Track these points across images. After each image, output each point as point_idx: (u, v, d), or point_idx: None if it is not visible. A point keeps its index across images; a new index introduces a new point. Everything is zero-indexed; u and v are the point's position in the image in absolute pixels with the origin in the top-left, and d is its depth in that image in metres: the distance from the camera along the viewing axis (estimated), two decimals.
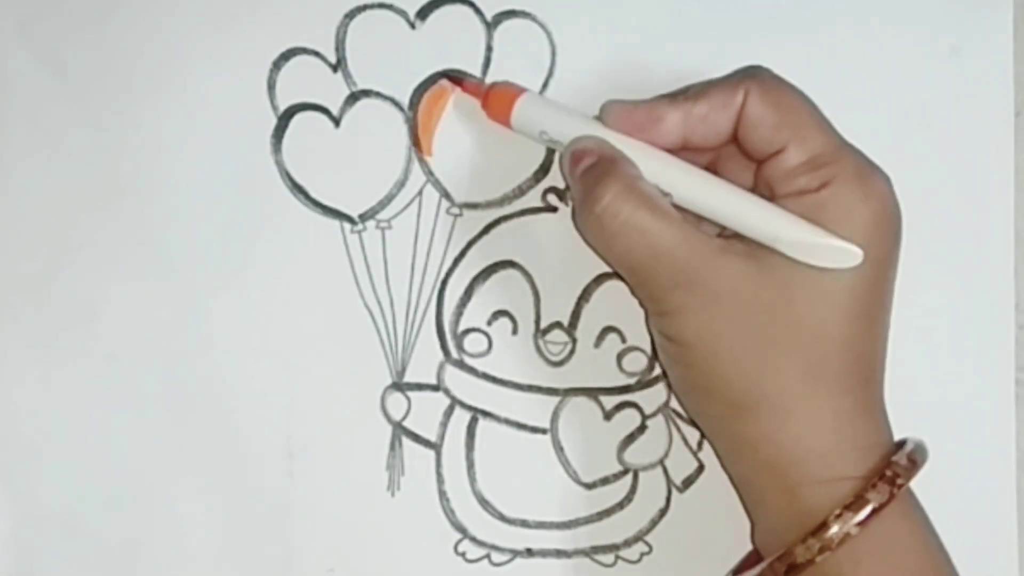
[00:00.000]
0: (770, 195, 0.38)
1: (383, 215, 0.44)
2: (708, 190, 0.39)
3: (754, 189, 0.39)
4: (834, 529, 0.36)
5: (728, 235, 0.39)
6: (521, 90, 0.41)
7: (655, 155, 0.39)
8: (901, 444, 0.38)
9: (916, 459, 0.37)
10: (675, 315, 0.38)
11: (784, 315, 0.37)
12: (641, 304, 0.41)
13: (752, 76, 0.39)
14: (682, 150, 0.39)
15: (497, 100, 0.42)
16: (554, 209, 0.44)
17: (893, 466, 0.37)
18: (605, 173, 0.38)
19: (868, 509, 0.36)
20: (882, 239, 0.38)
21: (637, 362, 0.44)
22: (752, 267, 0.37)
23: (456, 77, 0.44)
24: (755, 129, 0.38)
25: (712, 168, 0.40)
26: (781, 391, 0.37)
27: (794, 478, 0.37)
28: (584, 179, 0.39)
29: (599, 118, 0.40)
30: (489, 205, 0.44)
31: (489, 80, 0.44)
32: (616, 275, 0.44)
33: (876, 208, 0.37)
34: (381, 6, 0.44)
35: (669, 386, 0.44)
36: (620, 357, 0.44)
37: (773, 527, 0.38)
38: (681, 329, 0.38)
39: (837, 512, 0.36)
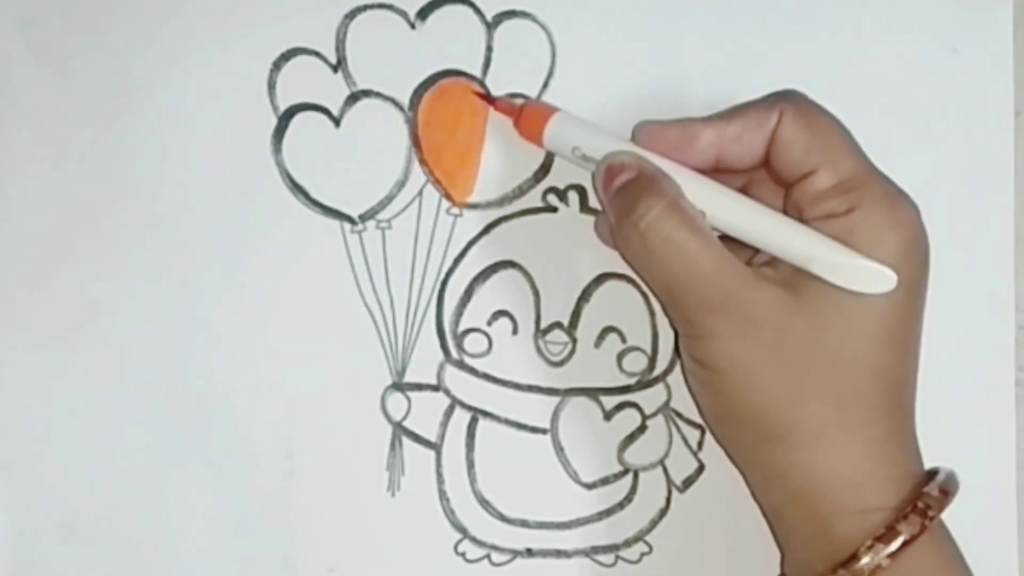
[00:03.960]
0: (799, 218, 0.38)
1: (383, 215, 0.44)
2: (743, 211, 0.39)
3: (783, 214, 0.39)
4: (865, 560, 0.36)
5: (759, 264, 0.39)
6: (553, 109, 0.41)
7: (690, 175, 0.39)
8: (932, 473, 0.38)
9: (948, 490, 0.37)
10: (708, 340, 0.38)
11: (818, 344, 0.37)
12: (673, 326, 0.41)
13: (787, 98, 0.39)
14: (714, 171, 0.39)
15: (530, 119, 0.42)
16: (554, 209, 0.44)
17: (925, 497, 0.37)
18: (648, 189, 0.38)
19: (899, 541, 0.36)
20: (912, 266, 0.37)
21: (637, 362, 0.44)
22: (787, 295, 0.37)
23: (487, 96, 0.44)
24: (787, 150, 0.38)
25: (743, 193, 0.40)
26: (814, 419, 0.37)
27: (825, 508, 0.37)
28: (625, 193, 0.38)
29: (632, 138, 0.40)
30: (489, 205, 0.44)
31: (490, 81, 0.44)
32: (616, 275, 0.44)
33: (906, 235, 0.37)
34: (381, 6, 0.44)
35: (669, 387, 0.44)
36: (620, 357, 0.44)
37: (803, 558, 0.38)
38: (713, 354, 0.38)
39: (868, 543, 0.36)
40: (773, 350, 0.37)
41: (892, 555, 0.36)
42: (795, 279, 0.38)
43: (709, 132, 0.39)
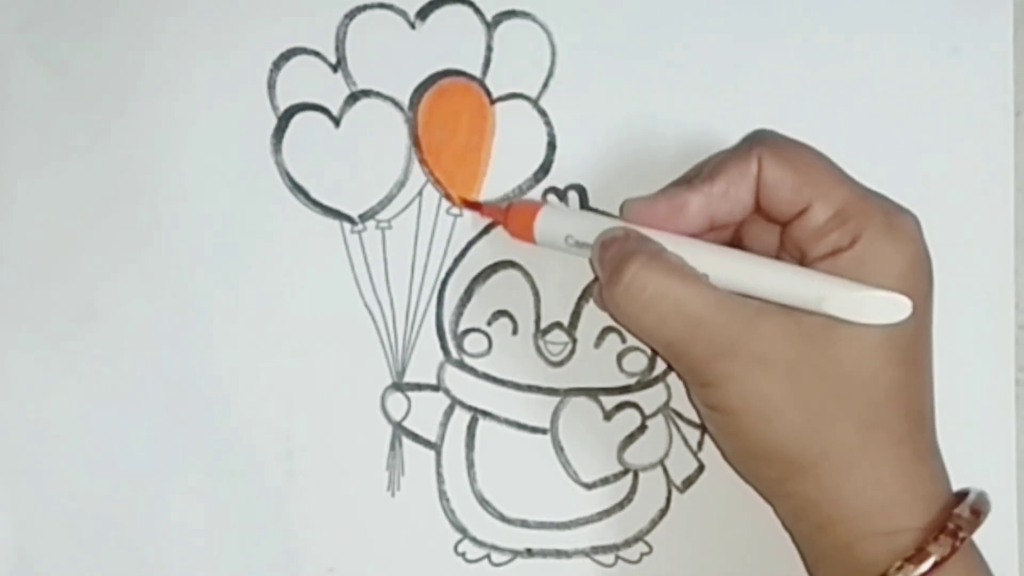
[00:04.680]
0: (801, 258, 0.38)
1: (383, 215, 0.44)
2: (746, 268, 0.38)
3: (781, 250, 0.39)
4: None
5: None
6: (539, 204, 0.42)
7: (684, 242, 0.38)
8: (962, 494, 0.38)
9: (980, 510, 0.37)
10: (719, 385, 0.37)
11: (832, 372, 0.36)
12: (680, 377, 0.40)
13: (760, 142, 0.38)
14: (710, 231, 0.39)
15: (517, 218, 0.42)
16: None
17: (956, 518, 0.36)
18: (628, 250, 0.38)
19: (930, 562, 0.36)
20: (919, 283, 0.37)
21: (637, 362, 0.44)
22: (792, 326, 0.37)
23: (473, 204, 0.43)
24: (776, 192, 0.38)
25: (737, 236, 0.40)
26: (838, 447, 0.37)
27: (855, 532, 0.37)
28: (609, 260, 0.38)
29: (621, 215, 0.40)
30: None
31: (490, 81, 0.44)
32: None
33: (910, 253, 0.37)
34: (381, 6, 0.44)
35: (669, 387, 0.44)
36: (620, 357, 0.44)
37: None
38: (727, 398, 0.37)
39: (898, 565, 0.36)
40: (788, 385, 0.36)
41: None
42: (799, 310, 0.37)
43: (697, 197, 0.38)
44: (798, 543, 0.40)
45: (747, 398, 0.37)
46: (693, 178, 0.39)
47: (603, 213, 0.42)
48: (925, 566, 0.36)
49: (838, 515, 0.37)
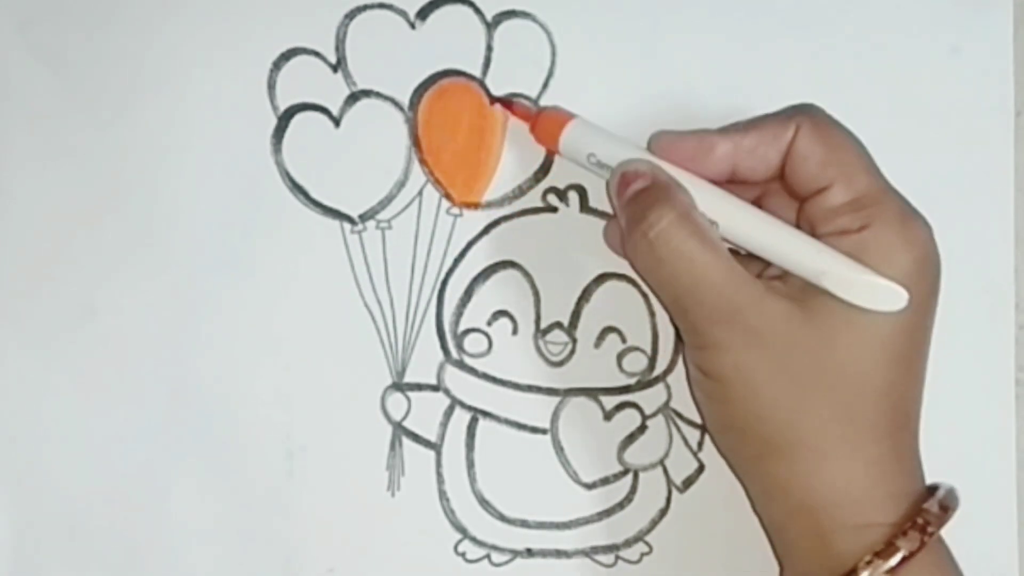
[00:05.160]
0: (812, 233, 0.38)
1: (383, 215, 0.44)
2: (756, 223, 0.38)
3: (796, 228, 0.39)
4: (863, 575, 0.36)
5: (769, 278, 0.39)
6: (571, 116, 0.41)
7: (704, 186, 0.39)
8: (932, 489, 0.38)
9: (948, 506, 0.37)
10: (714, 350, 0.38)
11: (825, 358, 0.37)
12: (679, 336, 0.41)
13: (804, 112, 0.39)
14: (729, 183, 0.39)
15: (547, 124, 0.42)
16: (554, 209, 0.44)
17: (924, 513, 0.37)
18: (659, 199, 0.38)
19: (898, 556, 0.36)
20: (922, 286, 0.37)
21: (637, 362, 0.44)
22: (796, 309, 0.37)
23: (506, 100, 0.44)
24: (803, 164, 0.38)
25: (757, 205, 0.40)
26: (817, 433, 0.37)
27: (825, 523, 0.37)
28: (637, 201, 0.38)
29: (648, 148, 0.40)
30: (489, 205, 0.44)
31: (490, 81, 0.44)
32: (617, 275, 0.44)
33: (918, 254, 0.37)
34: (381, 6, 0.44)
35: (669, 387, 0.44)
36: (620, 357, 0.44)
37: (802, 572, 0.38)
38: (720, 365, 0.38)
39: (867, 559, 0.36)
40: (779, 363, 0.37)
41: (891, 571, 0.36)
42: (805, 294, 0.37)
43: (725, 143, 0.39)
44: (768, 531, 0.40)
45: (738, 369, 0.37)
46: (728, 127, 0.39)
47: (630, 141, 0.41)
48: (894, 560, 0.36)
49: (809, 503, 0.37)
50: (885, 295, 0.37)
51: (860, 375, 0.37)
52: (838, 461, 0.37)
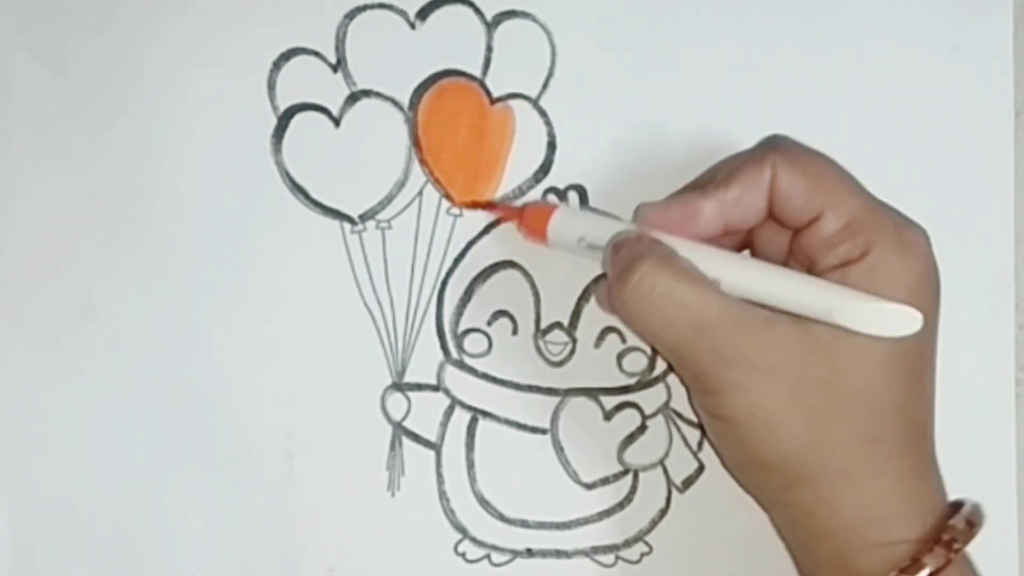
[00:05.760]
0: (810, 266, 0.38)
1: (383, 215, 0.44)
2: (757, 274, 0.38)
3: (790, 257, 0.39)
4: None
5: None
6: (554, 206, 0.41)
7: (698, 248, 0.38)
8: (957, 505, 0.38)
9: (974, 521, 0.37)
10: (723, 393, 0.37)
11: (837, 384, 0.36)
12: (683, 383, 0.40)
13: (774, 148, 0.38)
14: (723, 236, 0.39)
15: (532, 219, 0.42)
16: None
17: (951, 530, 0.36)
18: (639, 251, 0.37)
19: (924, 573, 0.36)
20: (926, 297, 0.37)
21: (637, 362, 0.44)
22: (800, 337, 0.36)
23: (488, 204, 0.43)
24: (788, 201, 0.38)
25: (747, 238, 0.40)
26: (840, 459, 0.37)
27: (853, 543, 0.37)
28: (620, 260, 0.38)
29: (634, 219, 0.40)
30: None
31: (490, 81, 0.44)
32: None
33: (919, 268, 0.37)
34: (381, 6, 0.44)
35: (669, 387, 0.44)
36: (620, 357, 0.44)
37: None
38: (730, 408, 0.37)
39: None
40: (793, 397, 0.36)
41: None
42: (808, 320, 0.37)
43: (711, 204, 0.38)
44: (793, 552, 0.40)
45: (751, 408, 0.36)
46: (707, 183, 0.39)
47: (616, 217, 0.41)
48: None
49: (835, 526, 0.37)
50: (900, 320, 0.36)
51: (875, 396, 0.36)
52: (862, 483, 0.37)
